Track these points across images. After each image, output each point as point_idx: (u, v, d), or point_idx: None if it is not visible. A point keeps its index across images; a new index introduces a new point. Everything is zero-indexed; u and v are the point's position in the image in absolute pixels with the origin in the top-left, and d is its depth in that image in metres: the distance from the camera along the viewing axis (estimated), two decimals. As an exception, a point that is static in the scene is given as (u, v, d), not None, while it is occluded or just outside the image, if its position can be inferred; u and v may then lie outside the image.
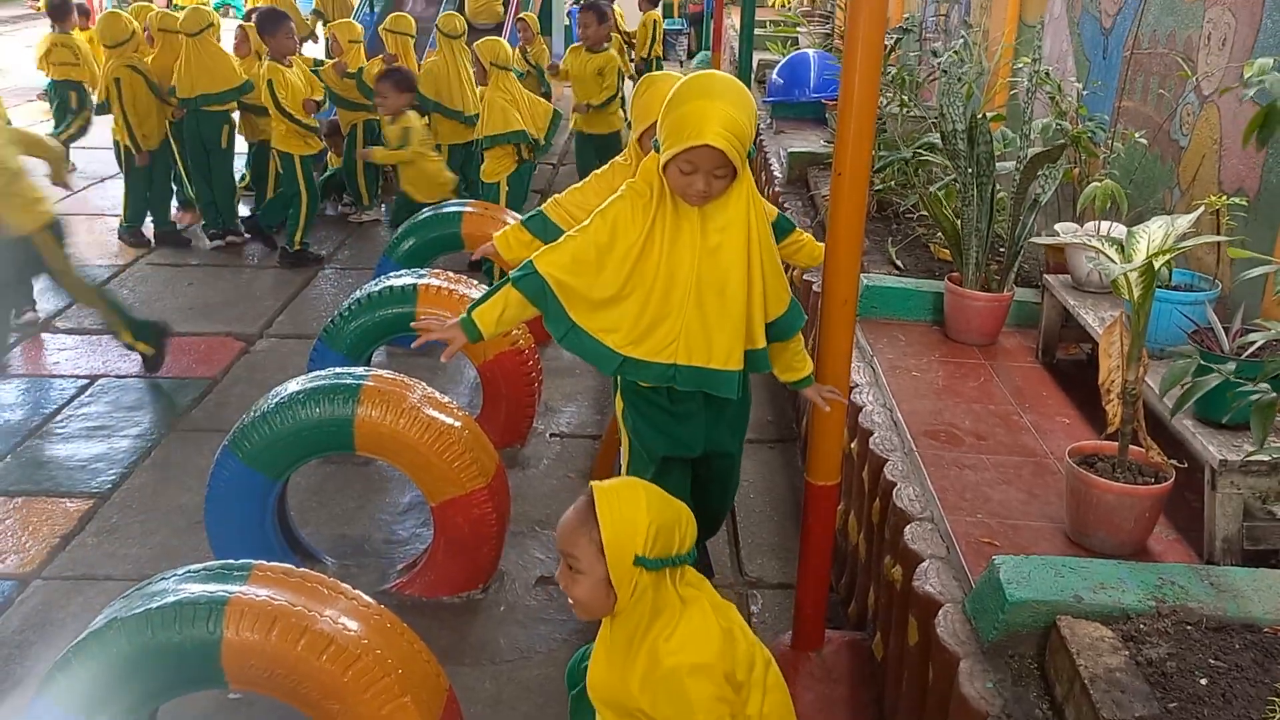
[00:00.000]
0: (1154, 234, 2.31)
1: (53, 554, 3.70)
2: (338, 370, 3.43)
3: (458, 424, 3.36)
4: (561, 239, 2.51)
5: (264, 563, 2.42)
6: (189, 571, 2.39)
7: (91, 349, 5.44)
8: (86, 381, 5.07)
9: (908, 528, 2.62)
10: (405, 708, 2.28)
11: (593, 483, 1.92)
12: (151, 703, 2.35)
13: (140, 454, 4.39)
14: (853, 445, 3.28)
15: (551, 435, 4.68)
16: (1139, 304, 2.31)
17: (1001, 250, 3.78)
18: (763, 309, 2.47)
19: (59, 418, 4.70)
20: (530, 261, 2.50)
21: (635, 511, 1.87)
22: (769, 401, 4.87)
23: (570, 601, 1.97)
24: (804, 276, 4.39)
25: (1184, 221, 2.32)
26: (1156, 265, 2.25)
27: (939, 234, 4.35)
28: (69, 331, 5.67)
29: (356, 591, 2.44)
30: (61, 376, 5.12)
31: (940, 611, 2.28)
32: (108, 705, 2.27)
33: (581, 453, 4.52)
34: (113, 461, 4.32)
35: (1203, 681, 1.88)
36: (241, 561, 2.41)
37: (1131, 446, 2.45)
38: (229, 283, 6.55)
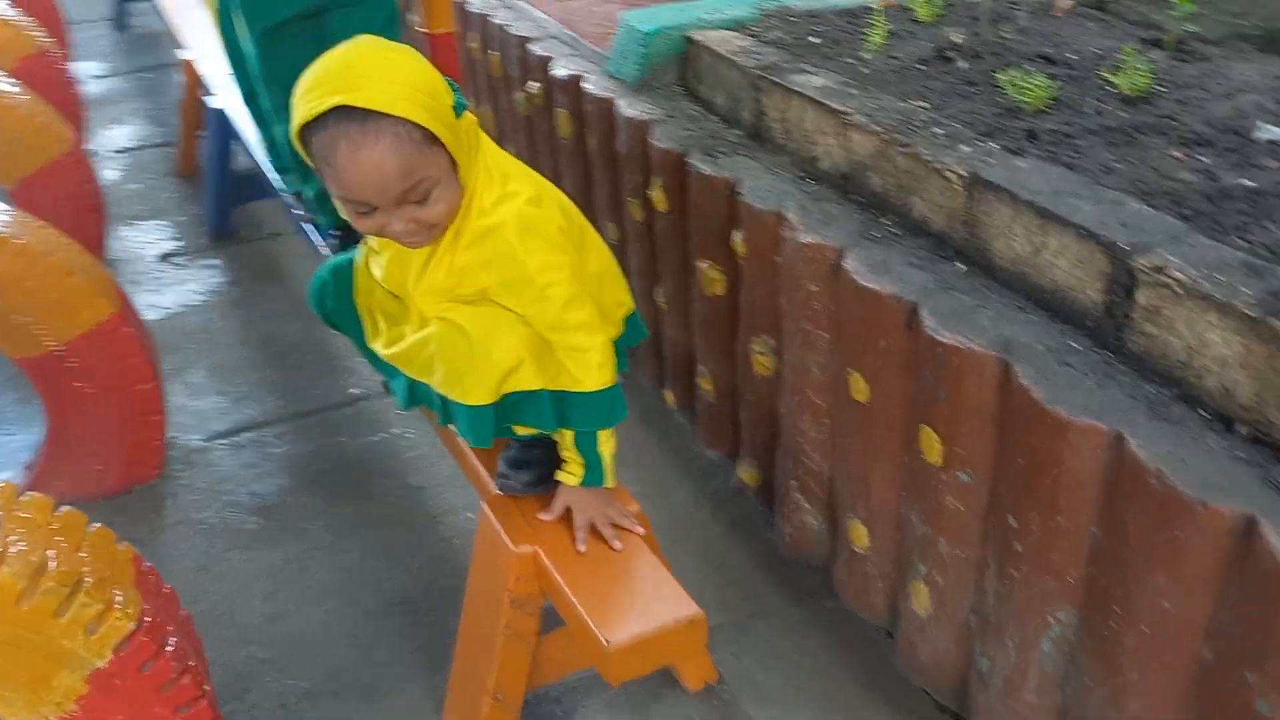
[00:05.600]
0: None
1: None
2: None
3: None
4: None
5: None
6: None
7: None
8: None
9: (530, 45, 2.71)
10: None
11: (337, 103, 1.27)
12: None
13: None
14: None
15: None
16: None
17: None
18: None
19: None
20: None
21: (400, 67, 1.32)
22: None
23: (416, 238, 1.40)
24: None
25: None
26: None
27: None
28: None
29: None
30: None
31: (580, 81, 2.44)
32: None
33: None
34: None
35: (815, 40, 2.22)
36: None
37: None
38: None
